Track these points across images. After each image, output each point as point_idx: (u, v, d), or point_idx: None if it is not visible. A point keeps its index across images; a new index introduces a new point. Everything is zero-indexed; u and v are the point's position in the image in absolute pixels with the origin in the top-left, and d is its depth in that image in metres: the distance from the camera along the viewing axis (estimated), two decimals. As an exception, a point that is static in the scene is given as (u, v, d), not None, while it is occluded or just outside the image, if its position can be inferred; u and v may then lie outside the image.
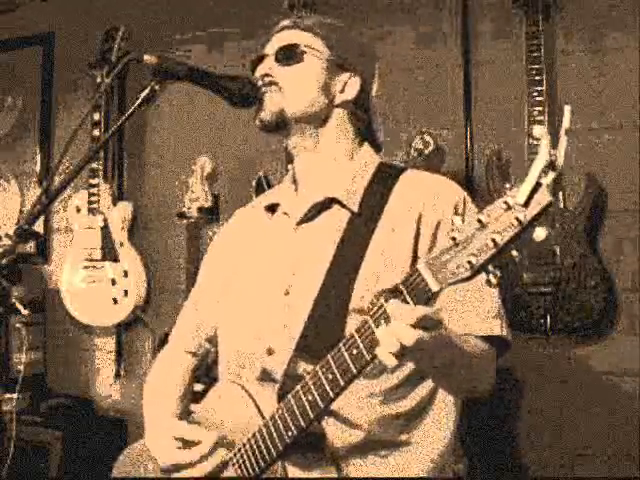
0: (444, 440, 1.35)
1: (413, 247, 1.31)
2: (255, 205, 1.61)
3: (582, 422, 2.36)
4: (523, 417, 2.44)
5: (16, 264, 1.23)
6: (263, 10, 2.89)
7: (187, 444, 1.29)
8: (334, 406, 1.25)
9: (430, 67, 2.68)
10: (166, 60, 1.29)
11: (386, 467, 1.30)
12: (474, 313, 1.29)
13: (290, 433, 1.20)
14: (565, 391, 2.39)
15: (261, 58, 1.46)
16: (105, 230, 3.04)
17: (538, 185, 0.91)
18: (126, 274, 3.03)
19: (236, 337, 1.44)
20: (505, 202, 0.92)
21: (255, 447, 1.24)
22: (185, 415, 1.47)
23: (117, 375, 3.20)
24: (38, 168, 3.44)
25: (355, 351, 1.09)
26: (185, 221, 2.73)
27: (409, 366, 1.30)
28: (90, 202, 3.05)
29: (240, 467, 1.27)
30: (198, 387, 1.66)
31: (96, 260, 3.04)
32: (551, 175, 0.91)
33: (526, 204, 0.91)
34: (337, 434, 1.28)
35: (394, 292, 1.02)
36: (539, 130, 0.79)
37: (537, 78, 2.29)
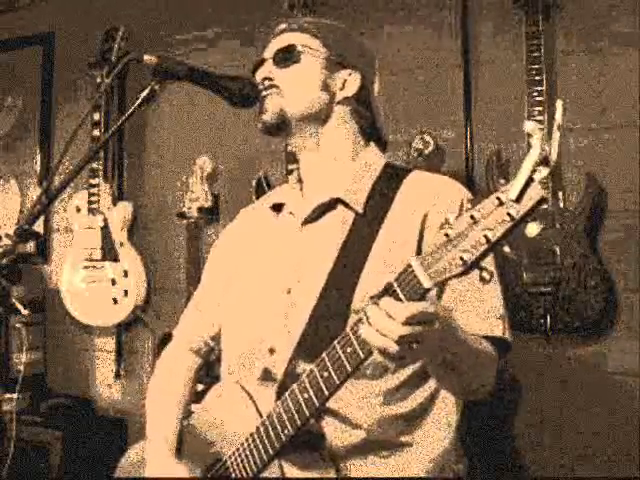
0: (445, 440, 1.35)
1: (417, 248, 1.31)
2: (260, 205, 1.60)
3: (582, 422, 2.35)
4: (523, 417, 2.44)
5: (16, 264, 1.23)
6: (263, 10, 2.89)
7: None
8: (334, 406, 1.26)
9: (430, 67, 2.67)
10: (166, 60, 1.29)
11: (386, 467, 1.30)
12: (474, 313, 1.29)
13: (287, 431, 1.20)
14: (565, 391, 2.38)
15: (261, 62, 1.46)
16: (105, 230, 3.04)
17: (531, 180, 0.90)
18: (126, 274, 3.03)
19: (238, 336, 1.44)
20: (497, 198, 0.92)
21: (253, 446, 1.25)
22: (186, 416, 1.47)
23: (117, 375, 3.20)
24: (38, 168, 3.44)
25: (349, 349, 1.10)
26: (185, 221, 2.74)
27: (410, 367, 1.30)
28: (90, 202, 3.05)
29: (239, 466, 1.28)
30: (199, 387, 1.66)
31: (96, 260, 3.04)
32: (544, 171, 0.90)
33: (518, 200, 0.90)
34: (337, 434, 1.28)
35: (387, 289, 1.02)
36: (531, 125, 0.79)
37: (537, 78, 2.29)
